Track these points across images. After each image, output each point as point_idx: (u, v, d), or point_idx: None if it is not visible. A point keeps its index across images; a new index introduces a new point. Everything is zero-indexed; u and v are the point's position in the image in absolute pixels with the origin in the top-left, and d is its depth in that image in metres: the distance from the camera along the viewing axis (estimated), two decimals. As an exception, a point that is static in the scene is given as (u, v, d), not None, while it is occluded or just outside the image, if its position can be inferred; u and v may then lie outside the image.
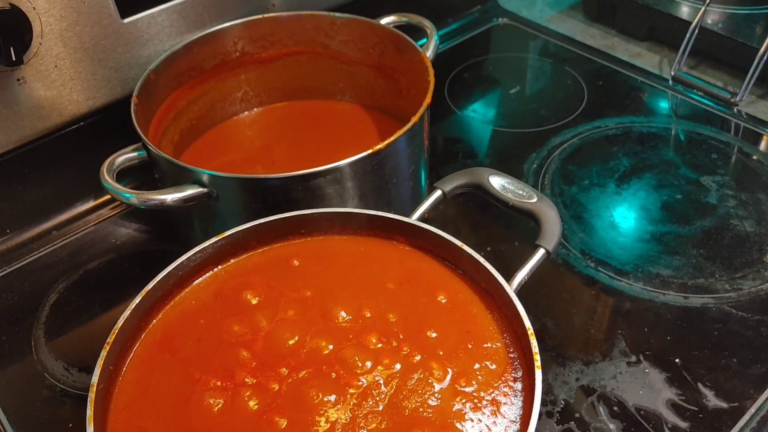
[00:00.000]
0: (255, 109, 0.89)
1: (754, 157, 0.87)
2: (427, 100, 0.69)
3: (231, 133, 0.87)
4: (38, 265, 0.78)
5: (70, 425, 0.63)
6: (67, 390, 0.66)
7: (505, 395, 0.49)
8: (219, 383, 0.51)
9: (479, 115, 0.97)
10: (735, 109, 0.94)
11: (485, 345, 0.52)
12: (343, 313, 0.55)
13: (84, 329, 0.72)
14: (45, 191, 0.81)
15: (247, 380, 0.51)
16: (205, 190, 0.64)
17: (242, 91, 0.87)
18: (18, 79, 0.71)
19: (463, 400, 0.49)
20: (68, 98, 0.76)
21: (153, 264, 0.76)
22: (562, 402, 0.63)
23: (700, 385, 0.64)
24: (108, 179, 0.65)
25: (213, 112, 0.86)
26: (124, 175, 0.70)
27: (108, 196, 0.84)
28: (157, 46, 0.79)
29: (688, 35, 0.98)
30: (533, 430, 0.45)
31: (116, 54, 0.77)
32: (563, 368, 0.65)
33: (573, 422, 0.61)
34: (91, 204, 0.84)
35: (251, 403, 0.49)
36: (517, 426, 0.47)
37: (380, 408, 0.49)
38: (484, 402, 0.49)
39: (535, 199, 0.59)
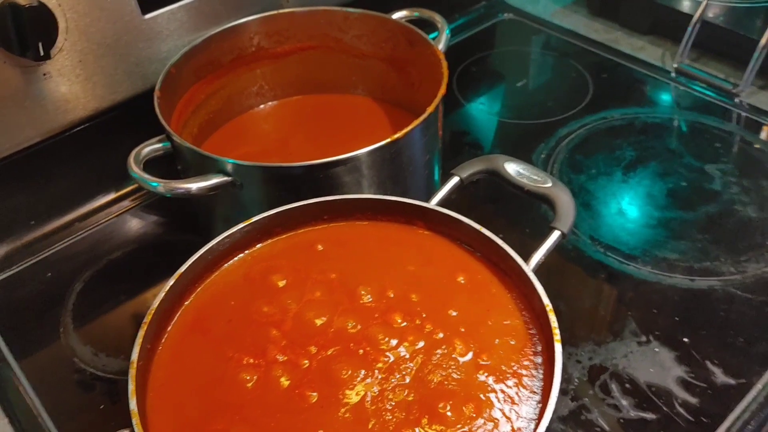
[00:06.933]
0: (270, 103, 0.91)
1: (756, 146, 0.90)
2: (442, 90, 0.72)
3: (247, 126, 0.89)
4: (63, 255, 0.80)
5: (102, 407, 0.66)
6: (96, 374, 0.68)
7: (526, 368, 0.51)
8: (251, 360, 0.53)
9: (487, 108, 1.00)
10: (737, 100, 0.96)
11: (505, 322, 0.55)
12: (367, 295, 0.57)
13: (111, 316, 0.74)
14: (68, 183, 0.83)
15: (278, 357, 0.53)
16: (230, 178, 0.67)
17: (258, 85, 0.89)
18: (44, 74, 0.73)
19: (486, 374, 0.51)
20: (92, 92, 0.78)
21: (174, 253, 0.78)
22: (576, 380, 0.65)
23: (708, 362, 0.66)
24: (135, 169, 0.67)
25: (230, 106, 0.88)
26: (145, 167, 0.72)
27: (128, 189, 0.86)
28: (176, 42, 0.81)
29: (690, 28, 1.00)
30: (554, 400, 0.47)
31: (137, 49, 0.79)
32: (576, 348, 0.68)
33: (587, 399, 0.64)
34: (112, 196, 0.86)
35: (283, 379, 0.52)
36: (538, 397, 0.50)
37: (407, 381, 0.51)
38: (506, 375, 0.51)
39: (549, 184, 0.62)
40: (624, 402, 0.63)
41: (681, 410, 0.62)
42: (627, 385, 0.65)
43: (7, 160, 0.76)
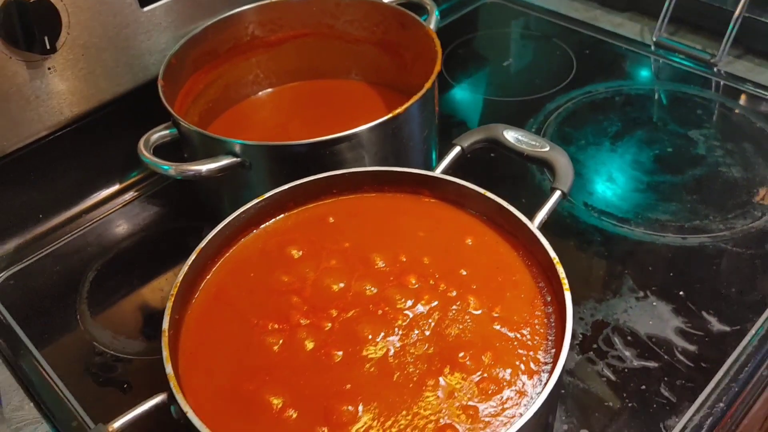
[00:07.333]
0: (267, 91, 0.93)
1: (736, 111, 0.94)
2: (437, 66, 0.75)
3: (246, 114, 0.91)
4: (73, 246, 0.82)
5: (125, 386, 0.68)
6: (117, 355, 0.70)
7: (537, 318, 0.55)
8: (276, 326, 0.55)
9: (477, 87, 1.03)
10: (715, 69, 1.00)
11: (514, 278, 0.58)
12: (381, 260, 0.60)
13: (126, 301, 0.76)
14: (73, 177, 0.84)
15: (301, 321, 0.56)
16: (238, 159, 0.69)
17: (253, 74, 0.91)
18: (49, 69, 0.75)
19: (500, 325, 0.54)
20: (95, 85, 0.79)
21: (183, 239, 0.81)
22: (581, 335, 0.69)
23: (704, 312, 0.70)
24: (146, 154, 0.69)
25: (228, 95, 0.90)
26: (153, 154, 0.74)
27: (132, 180, 0.88)
28: (174, 33, 0.83)
29: (667, 3, 1.04)
30: (568, 343, 0.50)
31: (137, 42, 0.81)
32: (578, 306, 0.71)
33: (592, 352, 0.67)
34: (116, 187, 0.88)
35: (308, 341, 0.54)
36: (551, 343, 0.53)
37: (426, 335, 0.54)
38: (519, 325, 0.54)
39: (547, 148, 0.65)
40: (627, 353, 0.67)
41: (681, 357, 0.66)
42: (629, 338, 0.68)
43: (15, 155, 0.77)
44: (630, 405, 0.63)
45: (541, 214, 0.60)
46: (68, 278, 0.78)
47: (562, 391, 0.64)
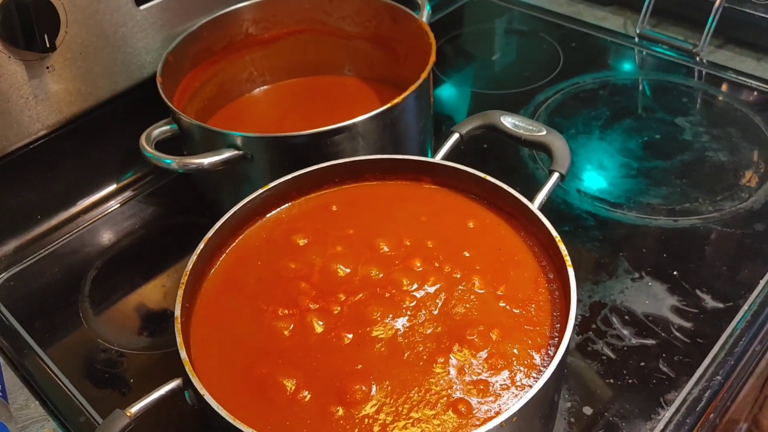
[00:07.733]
0: (262, 88, 0.94)
1: (720, 98, 0.96)
2: (432, 57, 0.76)
3: (242, 111, 0.92)
4: (73, 246, 0.82)
5: (132, 381, 0.68)
6: (122, 351, 0.71)
7: (542, 295, 0.56)
8: (286, 311, 0.56)
9: (466, 82, 1.05)
10: (697, 59, 1.03)
11: (516, 258, 0.59)
12: (385, 245, 0.61)
13: (129, 298, 0.76)
14: (71, 176, 0.84)
15: (310, 306, 0.56)
16: (240, 152, 0.70)
17: (248, 71, 0.92)
18: (47, 67, 0.75)
19: (505, 303, 0.56)
20: (92, 84, 0.80)
21: (182, 236, 0.81)
22: (579, 317, 0.70)
23: (697, 291, 0.72)
24: (148, 148, 0.70)
25: (223, 92, 0.91)
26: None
27: (130, 179, 0.89)
28: (169, 31, 0.84)
29: (648, -5, 1.06)
30: (573, 316, 0.51)
31: (134, 40, 0.81)
32: (576, 289, 0.72)
33: (591, 332, 0.69)
34: (114, 187, 0.88)
35: (318, 324, 0.55)
36: (556, 318, 0.54)
37: (434, 315, 0.55)
38: (524, 302, 0.56)
39: (544, 132, 0.66)
40: (625, 332, 0.68)
41: (678, 334, 0.68)
42: (626, 317, 0.70)
43: (14, 155, 0.78)
44: (630, 381, 0.64)
45: (541, 196, 0.62)
46: (69, 277, 0.79)
47: (565, 371, 0.65)
